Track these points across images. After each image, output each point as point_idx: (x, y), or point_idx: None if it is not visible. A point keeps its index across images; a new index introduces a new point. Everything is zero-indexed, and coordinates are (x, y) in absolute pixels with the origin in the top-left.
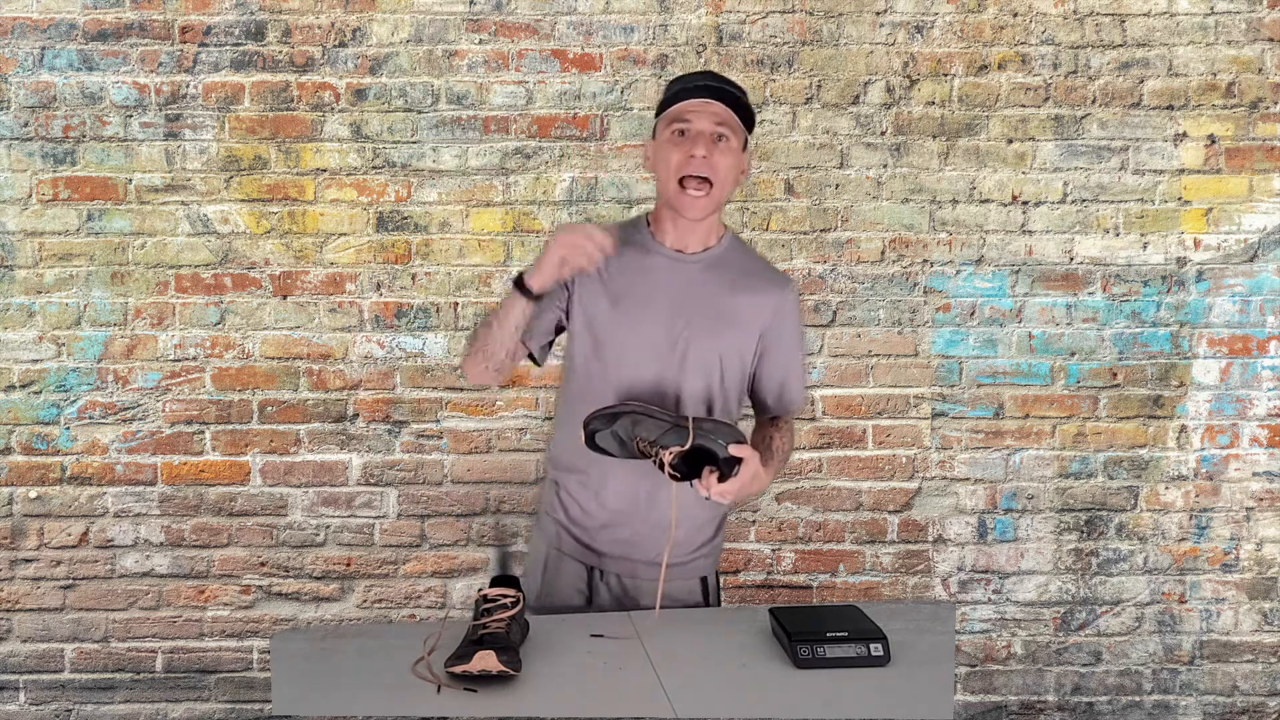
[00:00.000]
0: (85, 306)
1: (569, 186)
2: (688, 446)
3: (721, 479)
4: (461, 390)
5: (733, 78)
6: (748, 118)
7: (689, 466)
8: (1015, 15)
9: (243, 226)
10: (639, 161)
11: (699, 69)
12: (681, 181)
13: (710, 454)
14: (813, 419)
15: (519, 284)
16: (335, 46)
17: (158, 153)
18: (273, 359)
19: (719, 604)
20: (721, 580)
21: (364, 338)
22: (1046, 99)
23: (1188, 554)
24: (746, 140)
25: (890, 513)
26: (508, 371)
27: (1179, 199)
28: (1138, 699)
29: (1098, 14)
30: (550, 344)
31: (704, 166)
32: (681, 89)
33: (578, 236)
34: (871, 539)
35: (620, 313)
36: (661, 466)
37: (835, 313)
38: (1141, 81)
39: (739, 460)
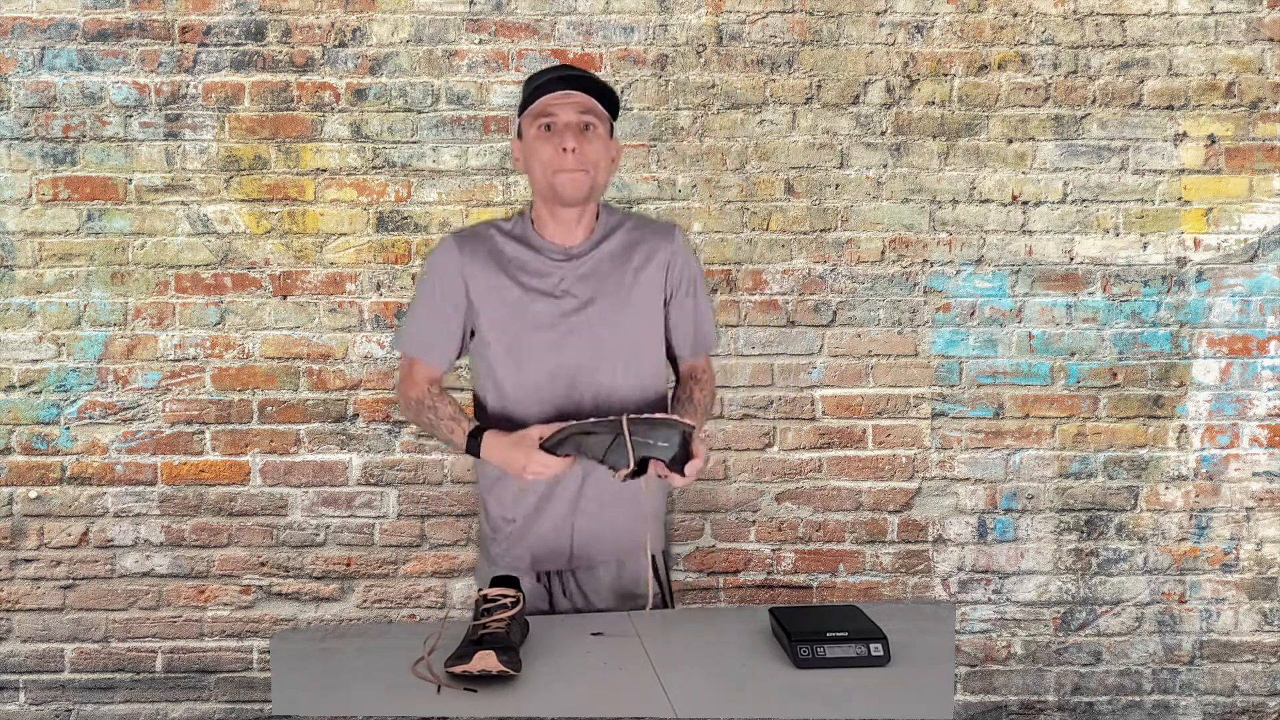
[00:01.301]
0: (85, 306)
1: None
2: (633, 466)
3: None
4: (461, 390)
5: (733, 78)
6: (611, 104)
7: (639, 464)
8: (1015, 15)
9: (243, 226)
10: (639, 161)
11: (556, 64)
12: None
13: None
14: (813, 419)
15: (472, 445)
16: (335, 46)
17: (158, 153)
18: (273, 359)
19: (669, 578)
20: (683, 563)
21: (364, 338)
22: (1046, 99)
23: (1188, 554)
24: (613, 127)
25: (890, 513)
26: None
27: (1179, 199)
28: (1138, 699)
29: (1098, 14)
30: (458, 358)
31: (574, 160)
32: (541, 83)
33: (541, 471)
34: (871, 539)
35: (526, 319)
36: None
37: (835, 313)
38: (1141, 81)
39: (689, 457)
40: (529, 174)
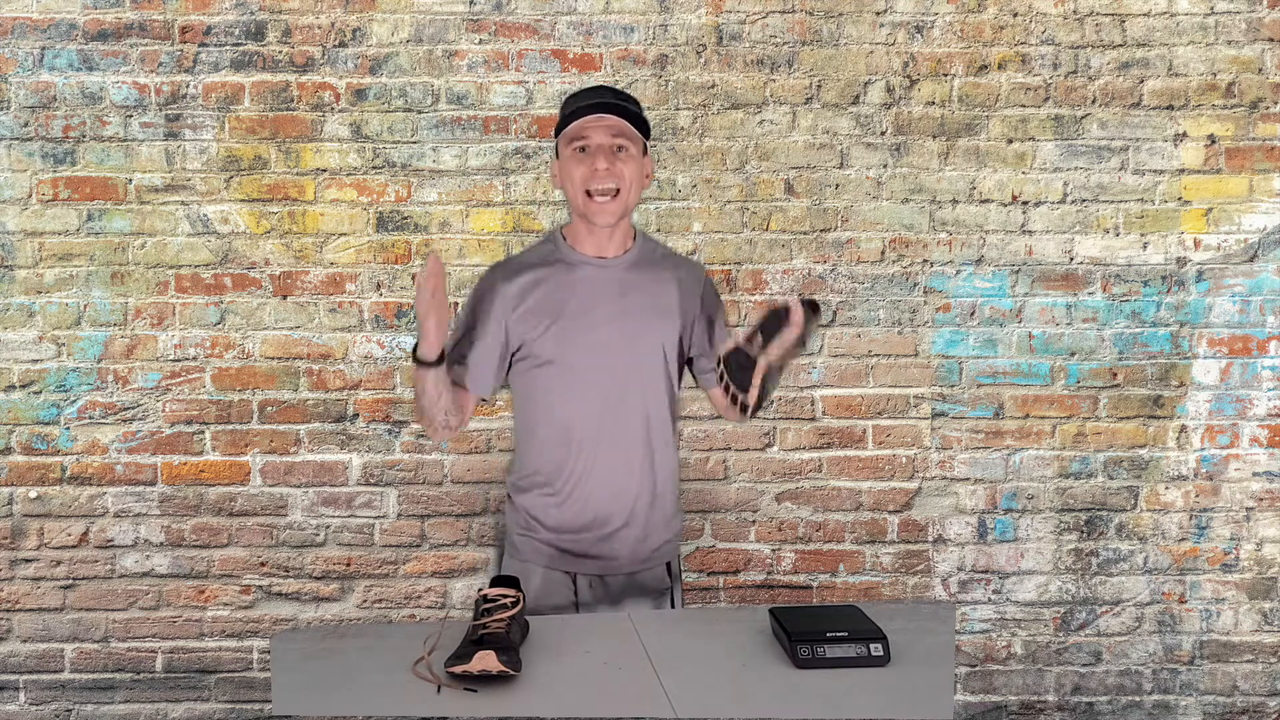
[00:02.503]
0: (85, 306)
1: None
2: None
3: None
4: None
5: (733, 78)
6: (643, 126)
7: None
8: (1015, 15)
9: (243, 226)
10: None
11: (592, 86)
12: (588, 193)
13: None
14: (813, 419)
15: (416, 358)
16: (335, 46)
17: (158, 153)
18: (273, 359)
19: (681, 580)
20: (683, 563)
21: (364, 338)
22: (1046, 99)
23: (1188, 554)
24: (646, 147)
25: (890, 513)
26: (463, 421)
27: (1179, 199)
28: (1138, 699)
29: (1098, 14)
30: (502, 383)
31: (607, 177)
32: (576, 108)
33: (422, 289)
34: (871, 539)
35: (561, 328)
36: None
37: (835, 313)
38: (1141, 81)
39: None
40: (565, 193)
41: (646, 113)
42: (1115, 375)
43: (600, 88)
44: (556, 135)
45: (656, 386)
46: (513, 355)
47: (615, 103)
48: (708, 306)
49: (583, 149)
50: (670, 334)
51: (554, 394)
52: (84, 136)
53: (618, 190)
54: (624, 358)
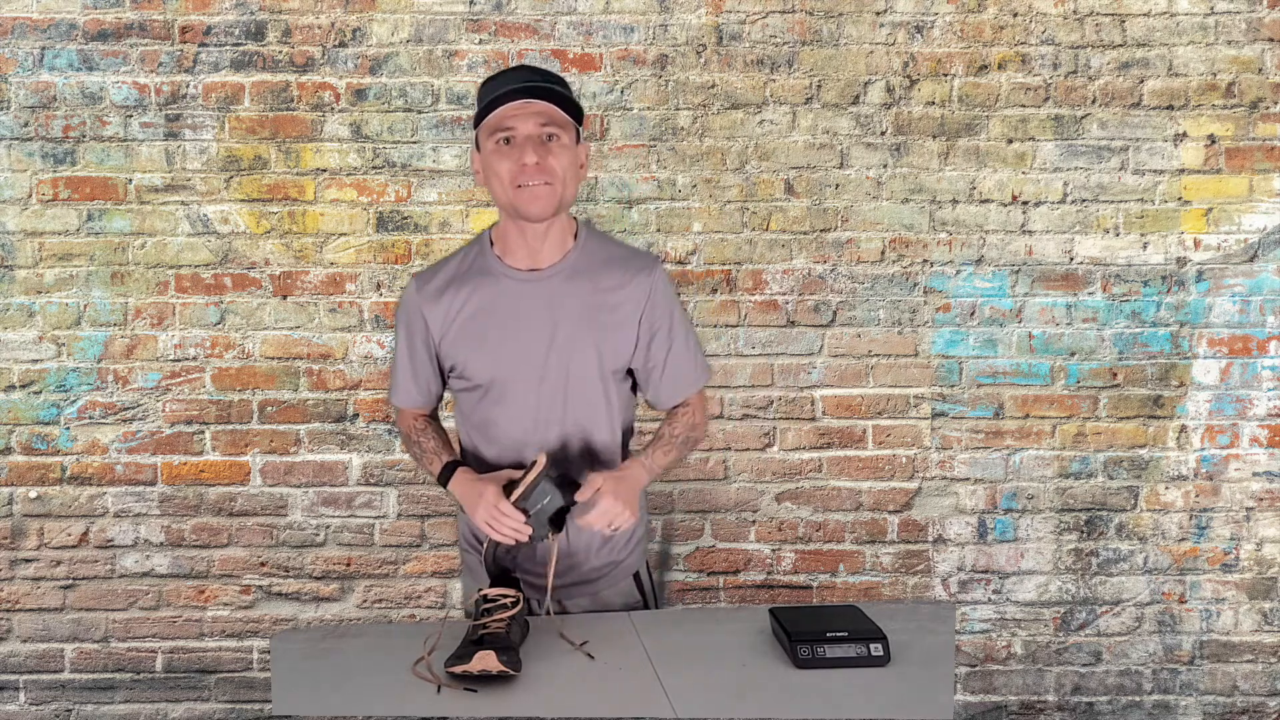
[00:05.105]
0: (85, 306)
1: None
2: (549, 537)
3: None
4: None
5: (733, 78)
6: (574, 109)
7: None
8: (1015, 15)
9: (243, 226)
10: (639, 161)
11: (512, 66)
12: (518, 186)
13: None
14: (813, 419)
15: (443, 477)
16: (335, 46)
17: (158, 153)
18: (273, 359)
19: (656, 595)
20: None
21: (364, 338)
22: (1046, 99)
23: (1188, 554)
24: (579, 133)
25: (890, 513)
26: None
27: (1179, 199)
28: (1138, 699)
29: (1098, 14)
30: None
31: (538, 173)
32: (497, 94)
33: (500, 525)
34: (871, 539)
35: (489, 352)
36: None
37: (835, 313)
38: (1141, 81)
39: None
40: (490, 190)
41: (647, 112)
42: (1115, 375)
43: (523, 67)
44: (476, 125)
45: (596, 405)
46: (448, 372)
47: (542, 85)
48: (654, 317)
49: (507, 140)
50: (612, 348)
51: (487, 417)
52: (84, 136)
53: (549, 186)
54: (556, 379)
